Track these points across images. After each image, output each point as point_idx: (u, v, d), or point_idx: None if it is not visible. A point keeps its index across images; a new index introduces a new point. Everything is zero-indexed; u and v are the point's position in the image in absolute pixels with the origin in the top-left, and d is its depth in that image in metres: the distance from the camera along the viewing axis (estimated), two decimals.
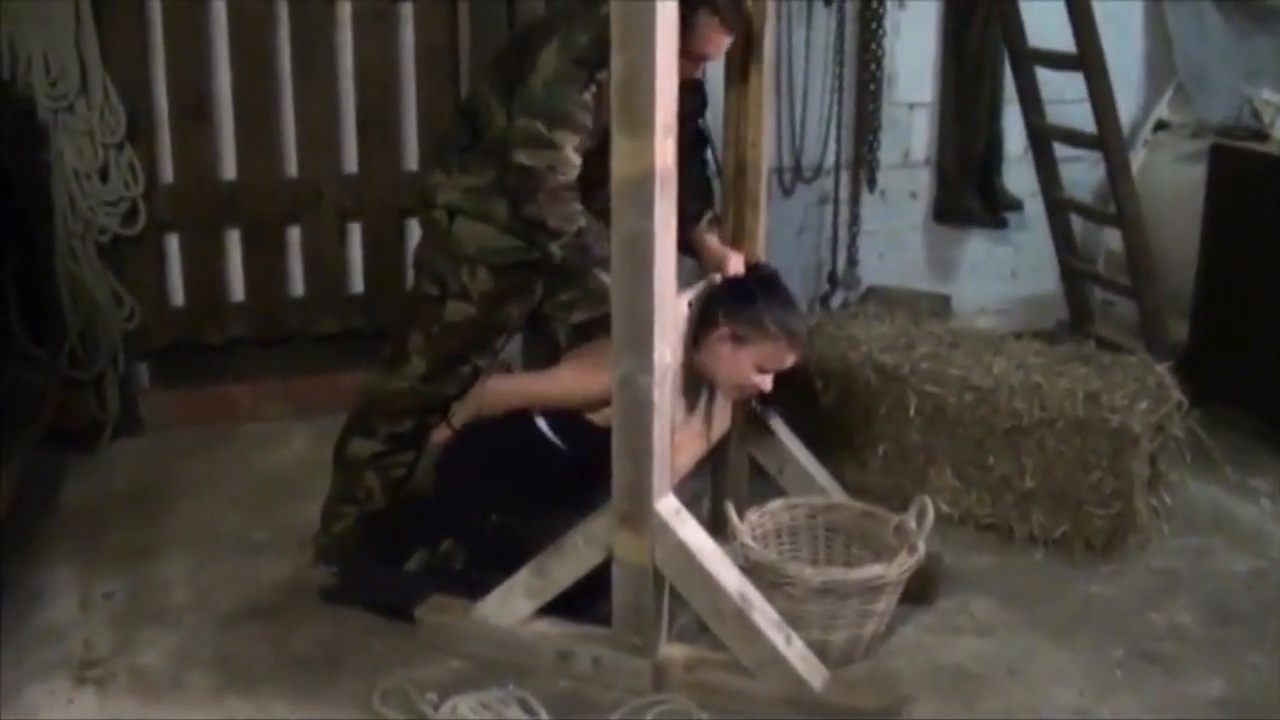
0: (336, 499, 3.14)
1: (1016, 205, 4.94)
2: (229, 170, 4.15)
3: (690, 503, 3.24)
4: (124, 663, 2.84)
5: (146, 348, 4.18)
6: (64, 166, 3.81)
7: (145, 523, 3.56)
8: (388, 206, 4.26)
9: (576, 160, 2.75)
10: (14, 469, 3.32)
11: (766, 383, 2.88)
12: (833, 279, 4.87)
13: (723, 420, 3.08)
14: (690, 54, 2.70)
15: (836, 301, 4.84)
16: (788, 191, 4.72)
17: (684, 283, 2.74)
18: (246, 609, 3.10)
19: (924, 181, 4.97)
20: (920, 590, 3.02)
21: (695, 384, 2.85)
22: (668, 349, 2.52)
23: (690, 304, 2.77)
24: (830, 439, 3.69)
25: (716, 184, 3.24)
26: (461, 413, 2.99)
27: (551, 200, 2.74)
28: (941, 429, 3.50)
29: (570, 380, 2.86)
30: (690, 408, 2.85)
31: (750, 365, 2.83)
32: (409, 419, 3.07)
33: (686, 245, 3.01)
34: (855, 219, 4.82)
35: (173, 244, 4.16)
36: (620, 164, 2.39)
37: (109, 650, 2.89)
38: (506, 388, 2.96)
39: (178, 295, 4.20)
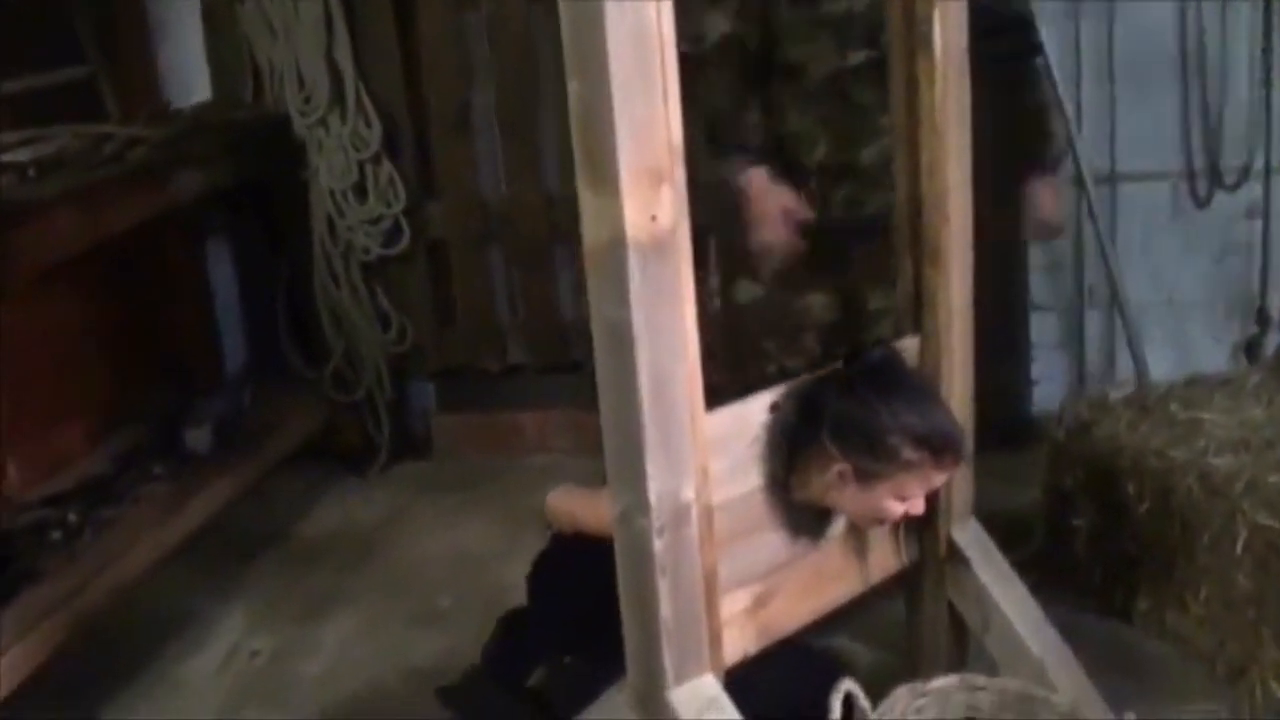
0: None
1: None
2: (495, 186, 3.81)
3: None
4: None
5: (424, 370, 3.97)
6: (319, 184, 3.65)
7: (351, 566, 3.37)
8: None
9: None
10: (223, 490, 3.24)
11: (918, 505, 2.06)
12: (1263, 318, 3.66)
13: (889, 549, 2.25)
14: None
15: (1270, 348, 3.64)
16: (1202, 202, 3.63)
17: None
18: (368, 694, 2.78)
19: None
20: None
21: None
22: (684, 481, 1.80)
23: (775, 407, 2.00)
24: (1147, 564, 2.70)
25: None
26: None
27: None
28: (1277, 578, 2.39)
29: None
30: (797, 538, 2.08)
31: (888, 499, 2.01)
32: None
33: None
34: None
35: (444, 263, 3.90)
36: (588, 228, 1.71)
37: None
38: (560, 505, 2.35)
39: (454, 316, 3.94)
